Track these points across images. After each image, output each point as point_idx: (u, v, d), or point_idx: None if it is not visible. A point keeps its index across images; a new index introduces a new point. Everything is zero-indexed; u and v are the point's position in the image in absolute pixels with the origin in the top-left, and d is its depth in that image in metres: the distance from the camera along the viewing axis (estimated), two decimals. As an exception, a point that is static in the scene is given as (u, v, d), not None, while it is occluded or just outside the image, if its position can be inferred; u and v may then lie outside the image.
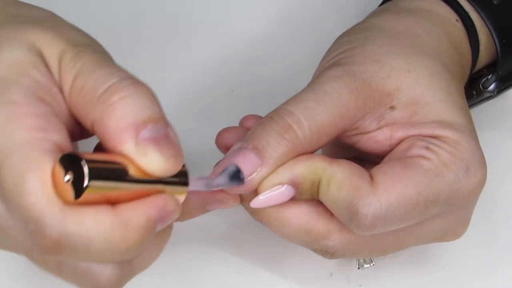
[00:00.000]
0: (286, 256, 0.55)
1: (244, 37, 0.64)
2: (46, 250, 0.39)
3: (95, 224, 0.39)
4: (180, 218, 0.45)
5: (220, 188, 0.46)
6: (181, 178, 0.43)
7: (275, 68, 0.63)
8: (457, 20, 0.54)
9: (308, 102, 0.47)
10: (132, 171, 0.40)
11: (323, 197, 0.47)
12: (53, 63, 0.42)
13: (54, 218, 0.39)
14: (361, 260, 0.53)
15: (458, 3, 0.54)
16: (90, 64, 0.42)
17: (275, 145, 0.46)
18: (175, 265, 0.55)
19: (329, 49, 0.52)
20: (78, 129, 0.43)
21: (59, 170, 0.39)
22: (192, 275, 0.55)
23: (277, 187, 0.47)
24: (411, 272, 0.55)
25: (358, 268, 0.53)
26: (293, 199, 0.47)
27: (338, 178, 0.46)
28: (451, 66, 0.51)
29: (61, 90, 0.42)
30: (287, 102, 0.48)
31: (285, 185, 0.47)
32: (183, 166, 0.43)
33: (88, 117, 0.41)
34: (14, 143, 0.39)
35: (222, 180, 0.46)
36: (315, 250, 0.49)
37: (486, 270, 0.56)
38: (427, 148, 0.47)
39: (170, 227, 0.44)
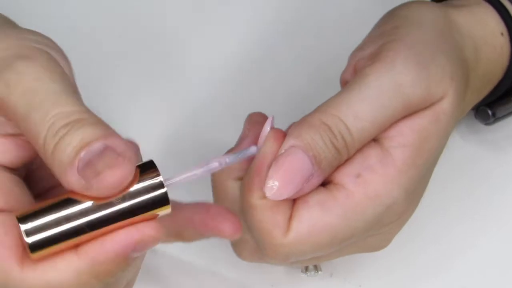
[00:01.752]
0: (286, 255, 0.55)
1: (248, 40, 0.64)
2: None
3: (59, 276, 0.39)
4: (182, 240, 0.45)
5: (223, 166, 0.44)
6: (155, 192, 0.40)
7: (279, 71, 0.63)
8: (502, 34, 0.52)
9: (361, 112, 0.45)
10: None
11: None
12: None
13: (15, 281, 0.39)
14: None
15: (507, 12, 0.52)
16: None
17: (332, 161, 0.45)
18: (173, 264, 0.55)
19: (375, 27, 0.50)
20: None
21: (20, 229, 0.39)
22: (192, 275, 0.55)
23: None
24: (411, 272, 0.55)
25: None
26: None
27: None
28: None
29: None
30: (339, 108, 0.45)
31: None
32: (156, 175, 0.40)
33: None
34: None
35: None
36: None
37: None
38: (357, 176, 0.45)
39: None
